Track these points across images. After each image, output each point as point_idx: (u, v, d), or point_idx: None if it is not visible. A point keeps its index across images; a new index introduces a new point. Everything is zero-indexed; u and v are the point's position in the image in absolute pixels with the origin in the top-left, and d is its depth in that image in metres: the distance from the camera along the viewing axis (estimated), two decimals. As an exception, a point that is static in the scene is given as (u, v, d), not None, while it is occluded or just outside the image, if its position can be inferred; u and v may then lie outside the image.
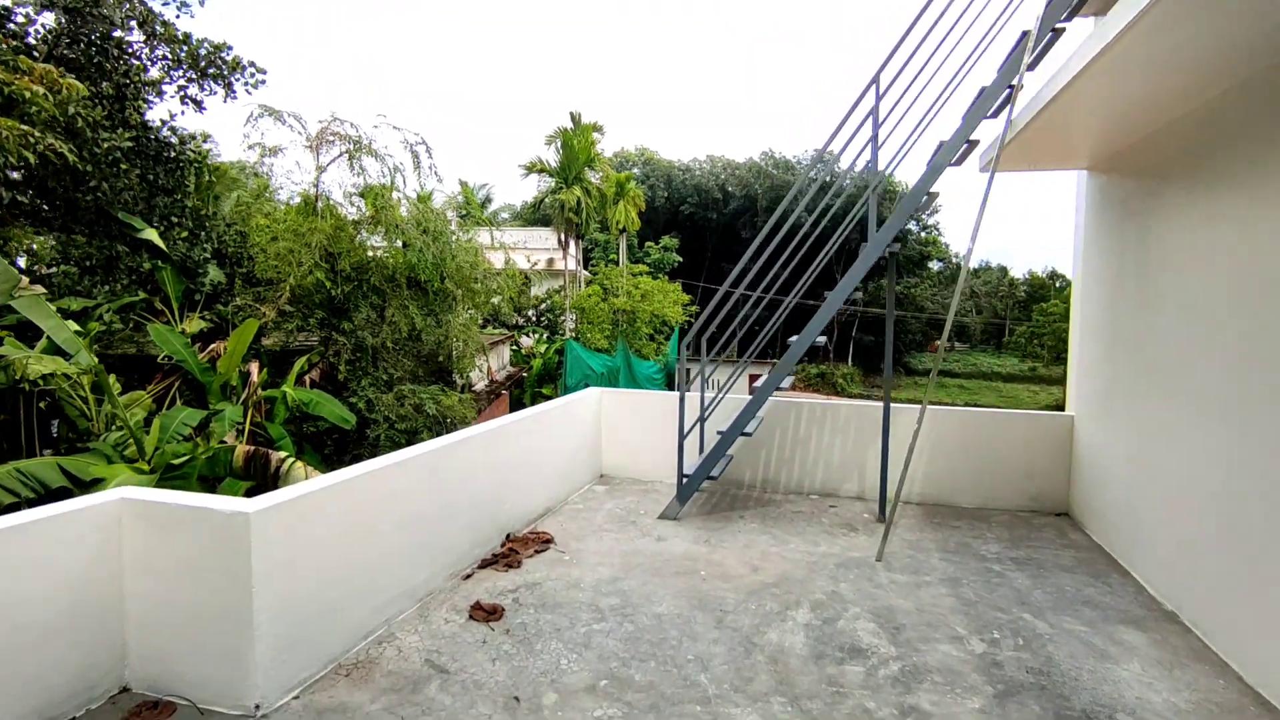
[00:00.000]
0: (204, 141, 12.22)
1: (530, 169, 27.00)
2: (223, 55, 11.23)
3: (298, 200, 12.52)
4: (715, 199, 51.29)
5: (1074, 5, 4.72)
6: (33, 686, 2.68)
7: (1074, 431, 6.13)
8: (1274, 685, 3.29)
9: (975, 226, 4.95)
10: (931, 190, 5.23)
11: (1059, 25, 4.95)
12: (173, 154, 10.67)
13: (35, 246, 10.13)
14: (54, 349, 7.16)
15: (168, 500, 2.99)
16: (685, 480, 5.71)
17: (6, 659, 2.61)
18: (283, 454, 7.43)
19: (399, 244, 12.11)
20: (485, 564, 4.60)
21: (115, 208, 9.65)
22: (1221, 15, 3.17)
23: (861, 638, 3.79)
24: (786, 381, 5.83)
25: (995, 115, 5.26)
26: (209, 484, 7.61)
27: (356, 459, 11.27)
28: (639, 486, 6.71)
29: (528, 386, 23.56)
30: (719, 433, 5.73)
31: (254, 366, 10.27)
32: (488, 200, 34.70)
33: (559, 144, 26.30)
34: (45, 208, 9.49)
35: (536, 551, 4.87)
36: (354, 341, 11.20)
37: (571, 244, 26.65)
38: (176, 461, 6.47)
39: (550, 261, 26.90)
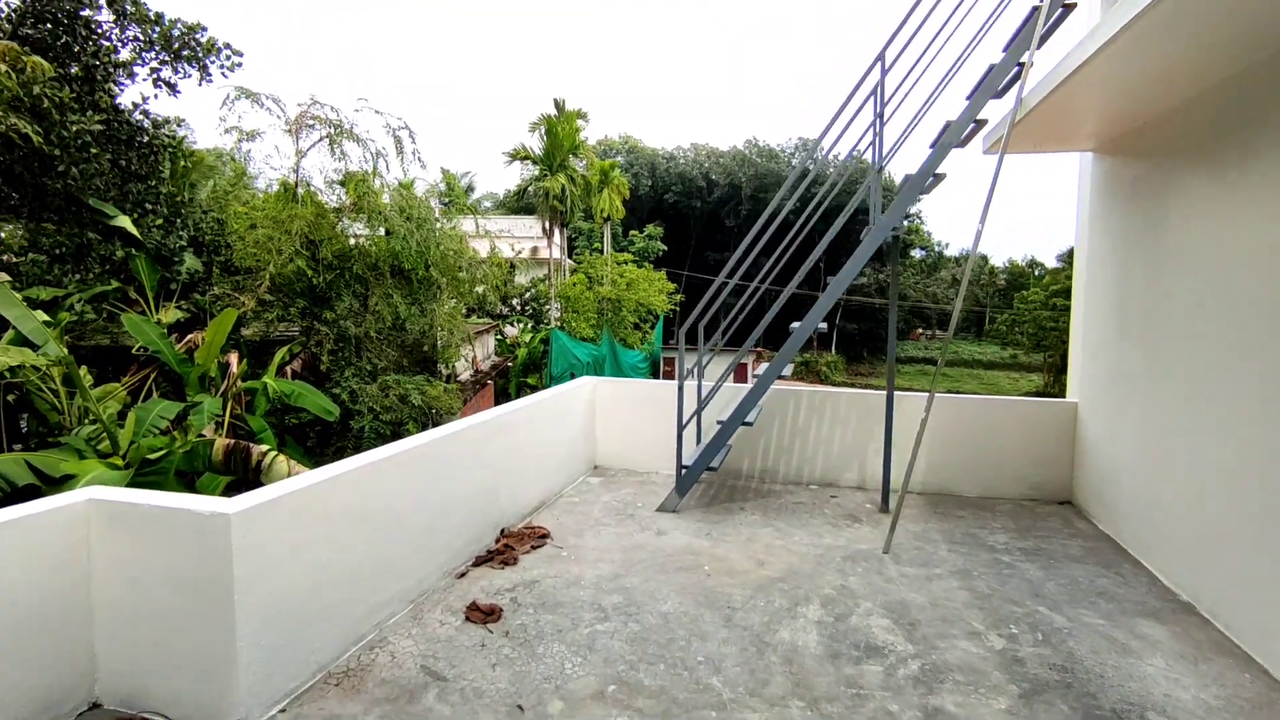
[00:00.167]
0: (178, 126, 11.78)
1: (514, 156, 26.63)
2: (197, 36, 10.82)
3: (277, 187, 12.18)
4: (699, 187, 51.06)
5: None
6: (-7, 704, 2.45)
7: (1077, 419, 6.02)
8: (1306, 680, 3.18)
9: (984, 210, 4.80)
10: (938, 172, 5.06)
11: (1069, 1, 4.80)
12: (146, 138, 10.27)
13: (2, 234, 9.74)
14: (21, 340, 6.84)
15: (140, 501, 2.75)
16: (685, 471, 5.53)
17: (-37, 675, 2.38)
18: (264, 447, 7.17)
19: (382, 231, 11.81)
20: (480, 561, 4.40)
21: (86, 194, 9.27)
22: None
23: (877, 635, 3.63)
24: (787, 369, 5.67)
25: (1001, 95, 5.11)
26: (187, 479, 7.34)
27: (340, 451, 11.03)
28: (635, 478, 6.53)
29: (513, 376, 23.30)
30: (719, 422, 5.55)
31: (233, 357, 9.95)
32: (470, 188, 34.27)
33: (543, 131, 25.96)
34: (12, 194, 9.09)
35: (533, 547, 4.67)
36: (336, 331, 10.91)
37: (556, 232, 26.35)
38: (153, 456, 6.20)
39: (535, 250, 26.58)
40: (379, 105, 12.18)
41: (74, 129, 8.77)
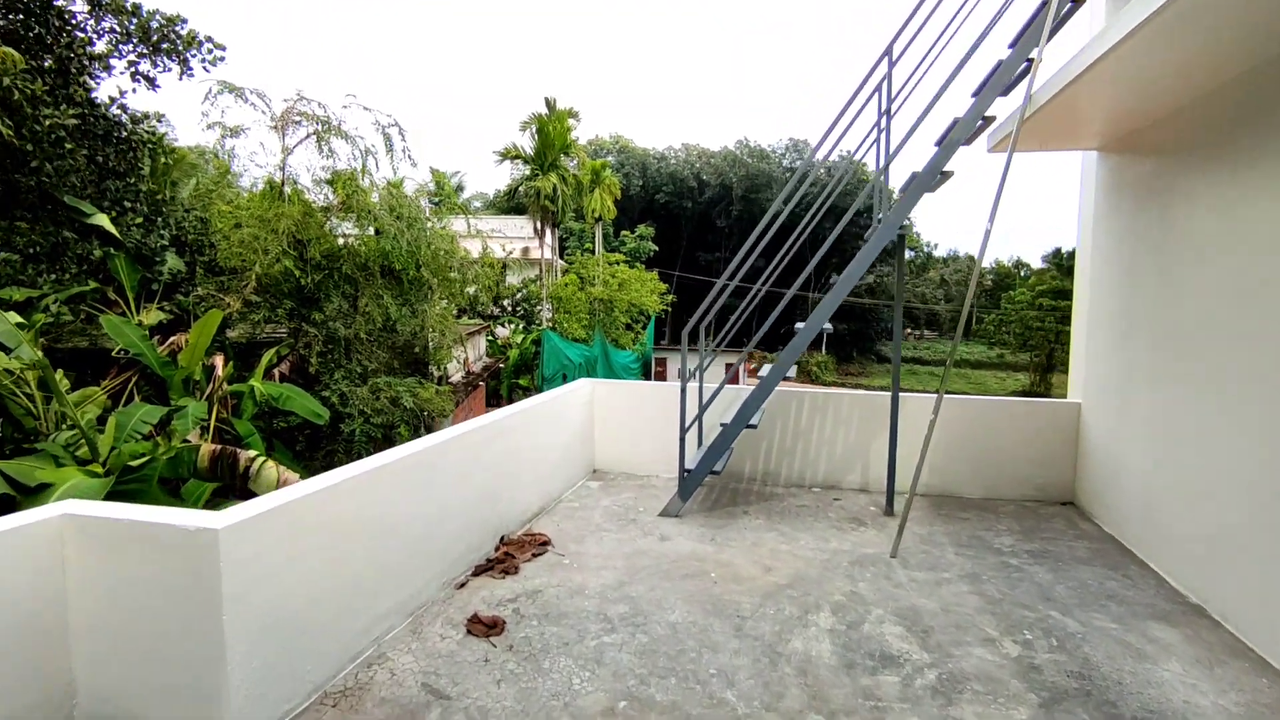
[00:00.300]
0: (158, 122, 11.53)
1: (505, 155, 26.43)
2: (176, 29, 10.58)
3: (262, 185, 11.96)
4: (690, 188, 50.99)
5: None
6: (-34, 733, 2.30)
7: (1080, 420, 5.95)
8: (1333, 687, 3.11)
9: (993, 209, 4.71)
10: (945, 169, 4.97)
11: (1079, -6, 4.73)
12: (124, 134, 10.02)
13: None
14: (-5, 343, 6.62)
15: (120, 516, 2.59)
16: (687, 475, 5.41)
17: (-66, 703, 2.22)
18: (252, 453, 7.00)
19: (371, 231, 11.62)
20: (480, 570, 4.26)
21: (61, 191, 9.02)
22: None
23: (891, 643, 3.53)
24: (790, 371, 5.56)
25: (1007, 92, 5.03)
26: (171, 486, 7.15)
27: (330, 455, 10.84)
28: (635, 482, 6.40)
29: (504, 378, 23.13)
30: (721, 425, 5.44)
31: (219, 360, 9.74)
32: (460, 188, 34.05)
33: (534, 130, 25.77)
34: (-17, 191, 8.84)
35: (534, 555, 4.54)
36: (325, 333, 10.71)
37: (548, 232, 26.17)
38: (135, 463, 6.00)
39: (525, 250, 26.40)
40: (368, 102, 11.96)
41: (47, 123, 8.52)
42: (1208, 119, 4.22)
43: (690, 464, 5.51)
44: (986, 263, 65.31)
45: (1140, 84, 4.26)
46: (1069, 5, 4.67)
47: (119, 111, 10.20)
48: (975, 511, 5.74)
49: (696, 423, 5.91)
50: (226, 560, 2.45)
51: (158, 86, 11.11)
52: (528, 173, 26.32)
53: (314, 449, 11.02)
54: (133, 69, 10.69)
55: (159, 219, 10.94)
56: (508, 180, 29.33)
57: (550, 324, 24.53)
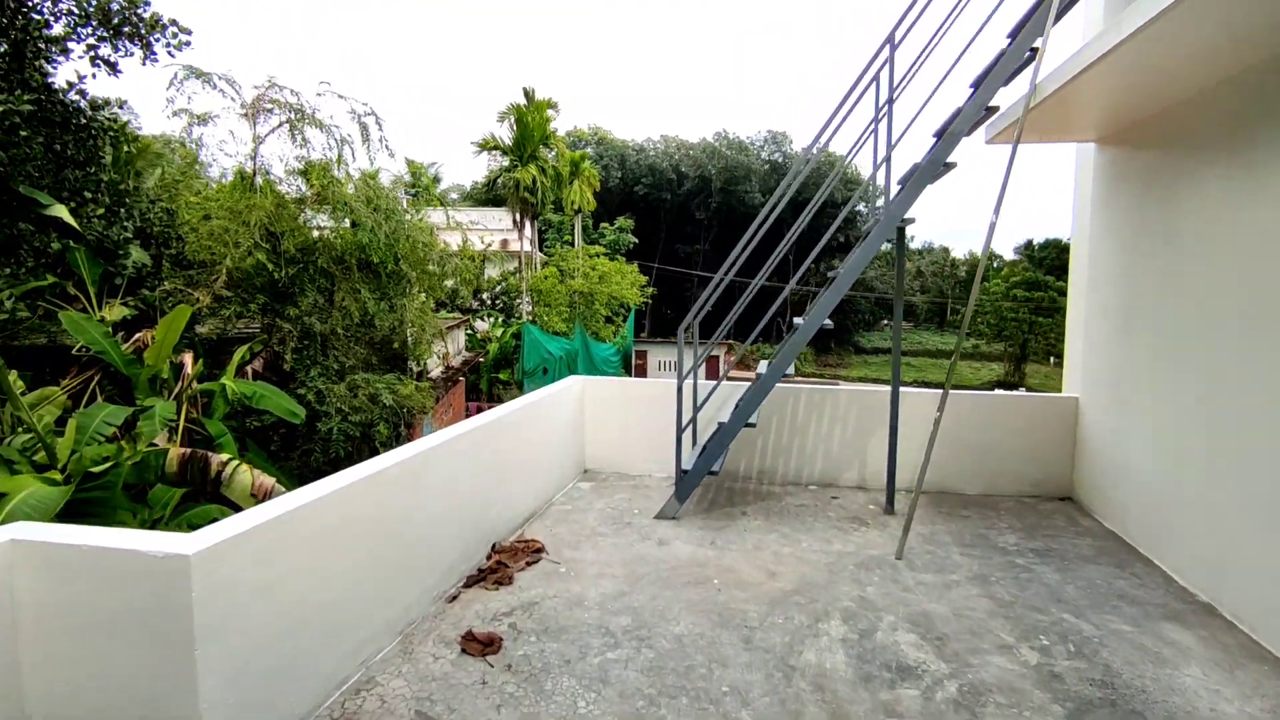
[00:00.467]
0: (119, 108, 11.07)
1: (483, 146, 25.99)
2: (139, 11, 10.09)
3: (232, 175, 11.56)
4: (669, 180, 50.78)
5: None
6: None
7: (1078, 414, 5.86)
8: (1363, 693, 3.01)
9: (998, 201, 4.58)
10: (948, 161, 4.81)
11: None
12: (83, 121, 9.56)
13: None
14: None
15: (77, 540, 2.32)
16: (684, 476, 5.23)
17: None
18: (224, 456, 6.70)
19: (348, 223, 11.27)
20: (472, 581, 4.04)
21: (16, 180, 8.57)
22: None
23: (906, 652, 3.38)
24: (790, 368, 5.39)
25: (1007, 83, 4.89)
26: (137, 492, 6.83)
27: (307, 455, 10.51)
28: (627, 482, 6.21)
29: (484, 372, 22.82)
30: (720, 423, 5.27)
31: (188, 357, 9.36)
32: (436, 179, 33.51)
33: (513, 120, 25.37)
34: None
35: (528, 564, 4.33)
36: (300, 328, 10.36)
37: (527, 224, 25.81)
38: (97, 469, 5.67)
39: (504, 243, 26.03)
40: (342, 91, 11.56)
41: (1, 109, 8.09)
42: (1222, 110, 4.10)
43: (685, 464, 5.33)
44: (961, 254, 66.02)
45: (1150, 75, 4.12)
46: (1074, -9, 4.54)
47: (78, 97, 9.72)
48: (975, 509, 5.63)
49: (692, 422, 5.72)
50: (199, 589, 2.21)
51: (119, 72, 10.61)
52: (506, 164, 25.92)
53: (290, 449, 10.69)
54: (92, 53, 10.19)
55: (122, 210, 10.48)
56: (485, 172, 28.90)
57: (530, 317, 24.23)
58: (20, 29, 8.62)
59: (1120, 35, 3.62)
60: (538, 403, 5.44)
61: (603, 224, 42.02)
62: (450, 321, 18.29)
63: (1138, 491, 4.87)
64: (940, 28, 5.00)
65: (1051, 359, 47.10)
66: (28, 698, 2.34)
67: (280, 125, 11.07)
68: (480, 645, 3.29)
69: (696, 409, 5.54)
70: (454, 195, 43.36)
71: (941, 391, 4.71)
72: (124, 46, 10.50)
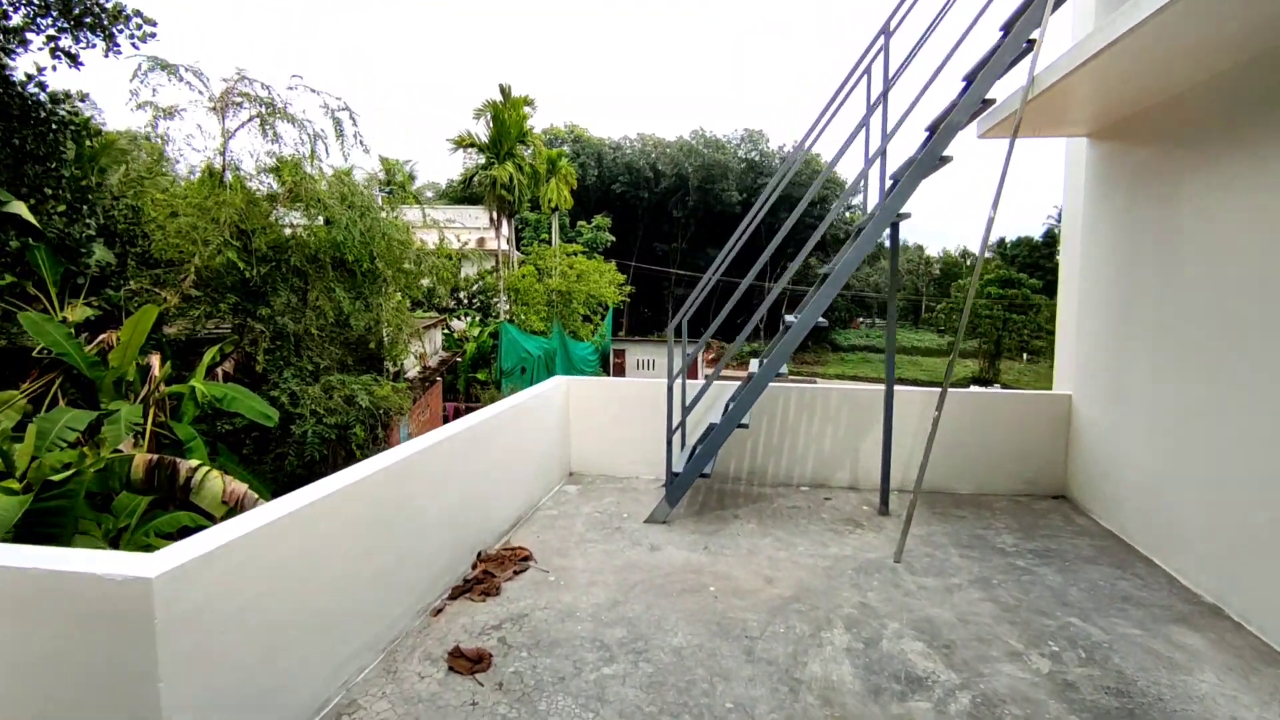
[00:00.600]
0: (81, 101, 10.66)
1: (459, 143, 25.62)
2: (101, 2, 9.74)
3: (200, 171, 11.18)
4: (646, 178, 50.64)
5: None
6: None
7: (1072, 411, 5.80)
8: (1384, 698, 2.93)
9: (996, 196, 4.47)
10: (944, 154, 4.70)
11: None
12: (43, 114, 9.18)
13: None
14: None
15: (24, 563, 2.07)
16: (676, 479, 5.07)
17: None
18: (193, 462, 6.41)
19: (321, 221, 10.96)
20: (457, 593, 3.85)
21: (-29, 176, 8.21)
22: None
23: (914, 661, 3.25)
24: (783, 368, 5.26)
25: (1000, 75, 4.79)
26: (103, 500, 6.53)
27: (280, 459, 10.20)
28: (615, 485, 6.04)
29: (461, 372, 22.48)
30: (711, 424, 5.11)
31: (155, 359, 9.02)
32: (411, 177, 33.03)
33: (489, 117, 25.04)
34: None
35: (515, 573, 4.15)
36: (273, 328, 10.04)
37: (504, 222, 25.50)
38: (57, 477, 5.39)
39: (481, 241, 25.69)
40: (315, 85, 11.23)
41: (-45, 103, 7.72)
42: (1226, 101, 4.02)
43: (676, 466, 5.17)
44: (934, 251, 66.64)
45: (1152, 67, 4.04)
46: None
47: (37, 90, 9.34)
48: (970, 508, 5.54)
49: (684, 417, 5.56)
50: (163, 615, 2.00)
51: (81, 64, 10.22)
52: (483, 161, 25.58)
53: (263, 453, 10.37)
54: (52, 44, 9.80)
55: (85, 207, 10.09)
56: (461, 170, 28.47)
57: (508, 316, 23.95)
58: (-26, 18, 8.24)
59: (1125, 26, 3.53)
60: (522, 405, 5.25)
61: (580, 222, 41.79)
62: (427, 321, 17.97)
63: (1135, 489, 4.80)
64: (934, 20, 4.90)
65: (1025, 355, 47.74)
66: (-30, 739, 2.11)
67: (251, 119, 10.73)
68: (469, 662, 3.11)
69: (686, 410, 5.38)
70: (429, 193, 42.87)
71: (939, 390, 4.61)
72: (85, 38, 10.12)
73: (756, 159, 53.44)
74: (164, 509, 7.08)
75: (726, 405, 5.60)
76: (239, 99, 10.55)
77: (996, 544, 4.79)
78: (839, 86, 4.92)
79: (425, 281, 13.94)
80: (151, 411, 8.59)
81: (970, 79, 5.16)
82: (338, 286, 10.59)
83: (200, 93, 10.51)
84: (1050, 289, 52.57)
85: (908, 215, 4.86)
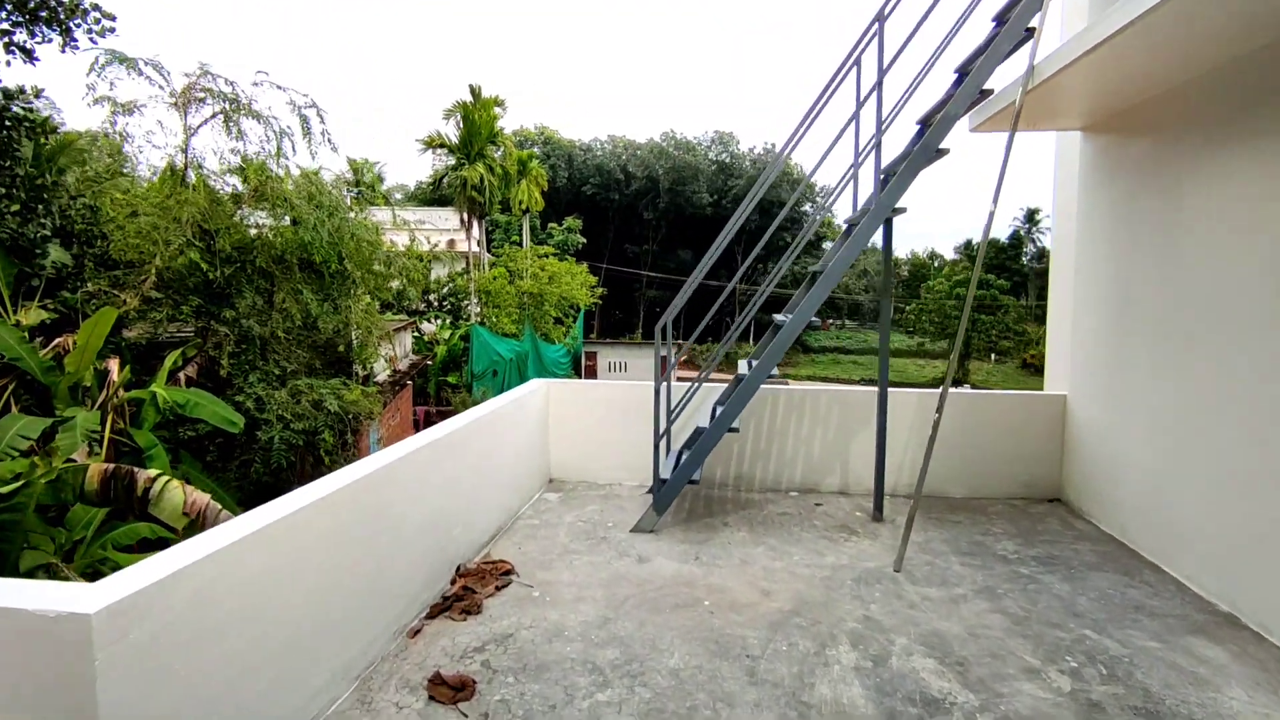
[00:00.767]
0: (35, 97, 10.18)
1: (429, 144, 25.20)
2: (56, -7, 9.30)
3: (162, 169, 10.75)
4: (617, 180, 50.46)
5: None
6: None
7: (1066, 412, 5.69)
8: None
9: (996, 190, 4.34)
10: (941, 146, 4.55)
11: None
12: (-3, 111, 8.74)
13: None
14: None
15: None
16: (664, 486, 4.85)
17: None
18: (152, 472, 6.06)
19: (288, 220, 10.58)
20: (436, 611, 3.59)
21: (-82, 173, 7.75)
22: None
23: (928, 681, 3.07)
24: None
25: (1000, 63, 4.67)
26: (56, 513, 6.16)
27: (246, 466, 9.81)
28: (596, 492, 5.80)
29: (432, 375, 22.08)
30: (698, 427, 4.91)
31: (114, 363, 8.61)
32: (380, 178, 32.49)
33: (459, 118, 24.66)
34: None
35: (497, 588, 3.90)
36: (238, 331, 9.66)
37: (474, 224, 25.11)
38: (6, 489, 5.03)
39: (452, 243, 25.28)
40: (281, 82, 10.84)
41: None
42: (1233, 92, 3.91)
43: (664, 472, 4.96)
44: (902, 253, 67.21)
45: (1156, 58, 3.92)
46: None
47: (-12, 84, 8.88)
48: (965, 513, 5.40)
49: (665, 427, 5.34)
50: (105, 656, 1.73)
51: (36, 59, 9.75)
52: (453, 163, 25.18)
53: (227, 460, 9.98)
54: (6, 39, 9.34)
55: (40, 206, 9.62)
56: (430, 171, 28.03)
57: (479, 319, 23.57)
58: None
59: (1128, 17, 3.41)
60: (501, 409, 4.99)
61: (551, 224, 41.50)
62: (397, 324, 17.59)
63: (1136, 491, 4.69)
64: (928, 10, 4.74)
65: (992, 355, 48.38)
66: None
67: (214, 116, 10.33)
68: (450, 690, 2.86)
69: (671, 414, 5.17)
70: (398, 195, 42.26)
71: (932, 391, 4.46)
72: (41, 32, 9.66)
73: (727, 161, 53.52)
74: (123, 520, 6.72)
75: (714, 408, 5.40)
76: (202, 94, 10.16)
77: (997, 550, 4.64)
78: (829, 81, 4.75)
79: (395, 283, 13.60)
80: (110, 418, 8.19)
81: (961, 70, 5.05)
82: (305, 288, 10.23)
83: (161, 88, 10.11)
84: (1017, 290, 53.45)
85: (903, 210, 4.70)
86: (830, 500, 5.69)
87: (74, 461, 6.45)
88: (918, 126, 5.32)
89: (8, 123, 9.12)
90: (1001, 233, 56.69)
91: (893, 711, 2.84)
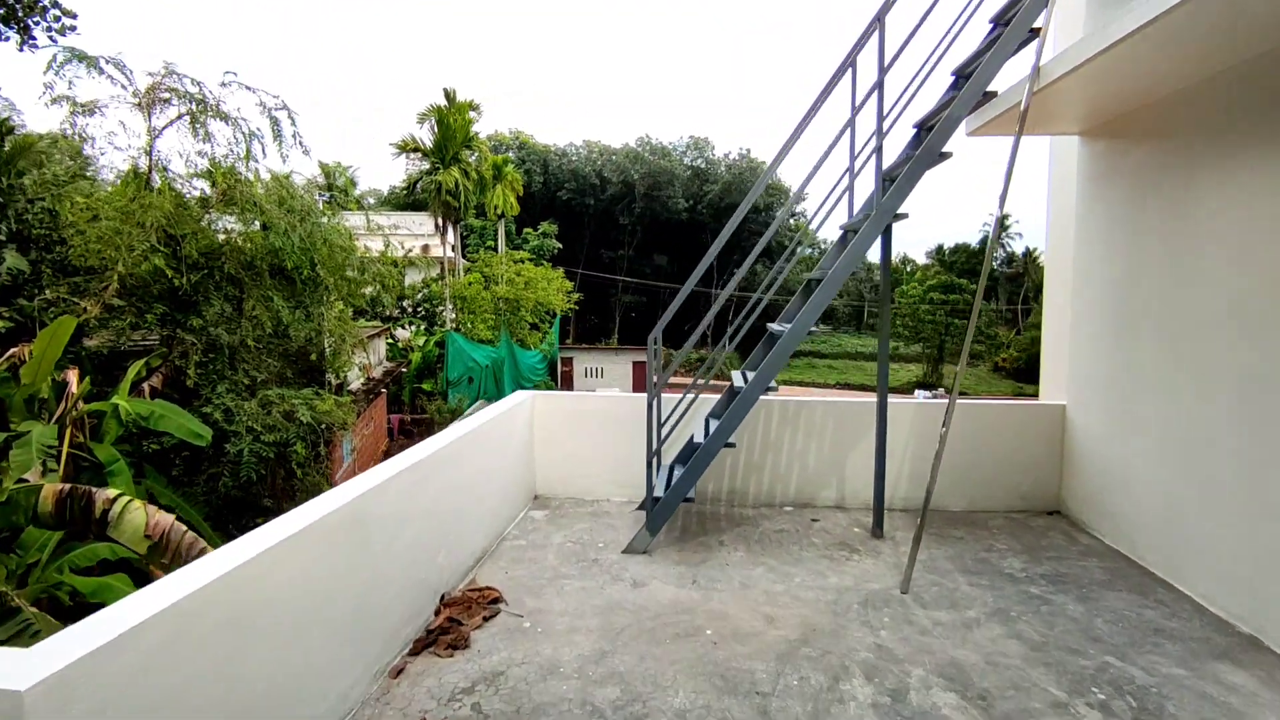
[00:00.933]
0: (-9, 95, 9.74)
1: (402, 148, 24.77)
2: (12, -12, 8.90)
3: (125, 171, 10.32)
4: (593, 185, 50.18)
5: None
6: None
7: (1066, 422, 5.57)
8: None
9: (1002, 195, 4.19)
10: (944, 150, 4.39)
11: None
12: (-53, 108, 8.30)
13: None
14: None
15: None
16: (657, 504, 4.63)
17: None
18: (111, 492, 5.70)
19: (257, 225, 10.20)
20: (420, 646, 3.33)
21: None
22: None
23: (952, 718, 2.88)
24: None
25: (1004, 62, 4.54)
26: (7, 535, 5.77)
27: (214, 480, 9.40)
28: (585, 509, 5.56)
29: (406, 383, 21.64)
30: (692, 438, 4.70)
31: (73, 374, 8.17)
32: (353, 183, 31.96)
33: (433, 122, 24.26)
34: None
35: (485, 618, 3.64)
36: (206, 340, 9.27)
37: (449, 229, 24.72)
38: (-51, 515, 4.66)
39: (426, 248, 24.85)
40: (251, 83, 10.42)
41: None
42: (1243, 95, 3.80)
43: (657, 490, 4.74)
44: (876, 259, 67.78)
45: (1163, 62, 3.80)
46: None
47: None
48: (965, 528, 5.25)
49: (657, 442, 5.12)
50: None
51: (-11, 55, 9.35)
52: (427, 167, 24.78)
53: (194, 473, 9.55)
54: (-41, 37, 8.94)
55: (-6, 209, 9.17)
56: (404, 175, 27.55)
57: (454, 325, 23.18)
58: None
59: (1143, 18, 3.28)
60: (486, 426, 4.74)
61: (526, 229, 41.16)
62: (370, 330, 17.19)
63: (1145, 506, 4.56)
64: (926, 11, 4.60)
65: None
66: None
67: (180, 118, 9.92)
68: (441, 743, 2.61)
69: (662, 426, 4.96)
70: (371, 200, 41.66)
71: (938, 402, 4.29)
72: (-4, 30, 9.26)
73: (702, 166, 53.46)
74: (82, 540, 6.34)
75: (706, 421, 5.20)
76: (167, 95, 9.75)
77: (1004, 569, 4.48)
78: (827, 81, 4.58)
79: (369, 289, 13.25)
80: (68, 432, 7.77)
81: (959, 73, 4.93)
82: (276, 295, 9.86)
83: (124, 87, 9.68)
84: (987, 294, 54.12)
85: (905, 215, 4.54)
86: (827, 515, 5.51)
87: (26, 481, 6.06)
88: (914, 130, 5.19)
89: (-40, 122, 8.69)
90: (972, 237, 57.45)
91: (919, 755, 2.65)
